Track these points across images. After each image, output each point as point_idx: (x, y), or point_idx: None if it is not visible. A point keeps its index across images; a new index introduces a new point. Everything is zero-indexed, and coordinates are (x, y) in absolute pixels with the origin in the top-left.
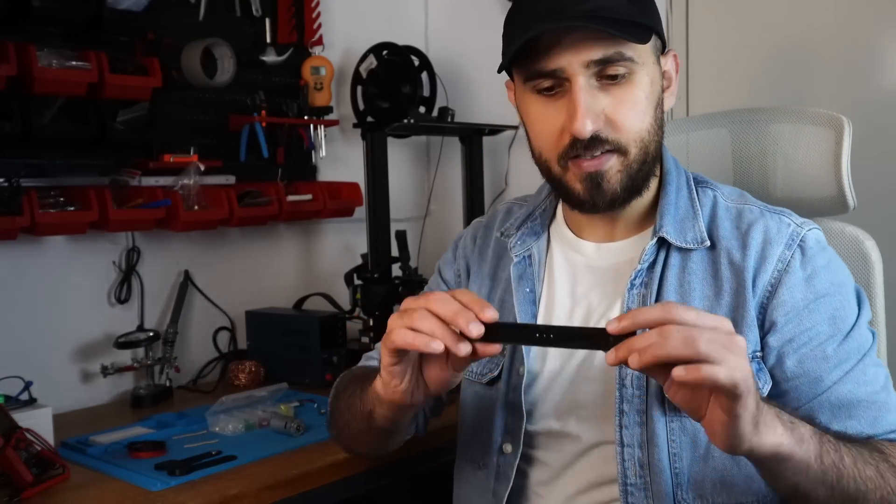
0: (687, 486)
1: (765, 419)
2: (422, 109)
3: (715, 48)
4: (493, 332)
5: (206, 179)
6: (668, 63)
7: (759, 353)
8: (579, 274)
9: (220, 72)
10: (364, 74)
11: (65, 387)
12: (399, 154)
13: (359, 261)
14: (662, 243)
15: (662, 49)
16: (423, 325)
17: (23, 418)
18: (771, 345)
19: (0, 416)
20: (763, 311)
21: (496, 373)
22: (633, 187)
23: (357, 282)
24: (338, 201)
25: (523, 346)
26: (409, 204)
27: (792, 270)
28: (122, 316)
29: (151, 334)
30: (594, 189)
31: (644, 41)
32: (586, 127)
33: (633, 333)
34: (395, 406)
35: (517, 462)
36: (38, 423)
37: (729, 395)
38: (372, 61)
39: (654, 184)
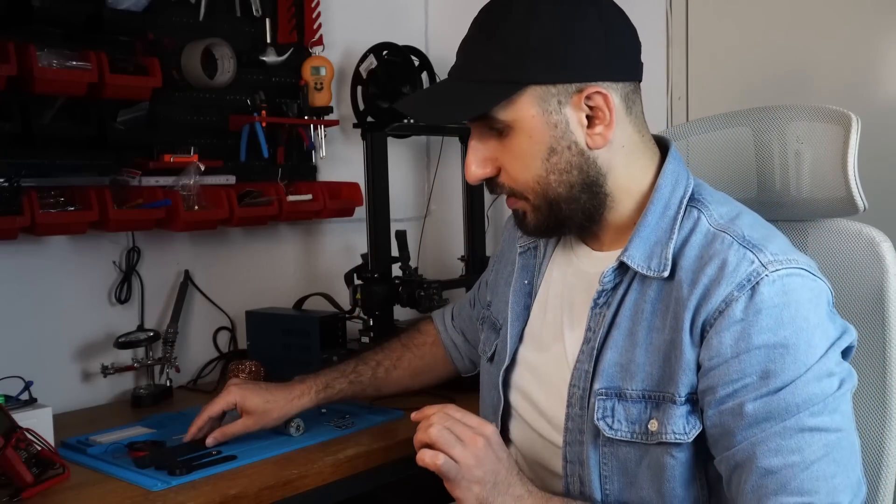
0: None
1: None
2: None
3: (715, 49)
4: None
5: (207, 179)
6: (584, 101)
7: (693, 395)
8: (570, 276)
9: (220, 72)
10: (364, 74)
11: (65, 387)
12: (399, 154)
13: (359, 261)
14: (627, 266)
15: (579, 83)
16: None
17: (23, 418)
18: (699, 389)
19: (0, 416)
20: (698, 351)
21: (490, 353)
22: (556, 222)
23: (357, 282)
24: (338, 201)
25: (508, 331)
26: (409, 204)
27: (730, 314)
28: (122, 316)
29: (151, 334)
30: (519, 223)
31: (490, 105)
32: (471, 174)
33: None
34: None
35: None
36: (39, 423)
37: (445, 477)
38: (372, 61)
39: (622, 204)
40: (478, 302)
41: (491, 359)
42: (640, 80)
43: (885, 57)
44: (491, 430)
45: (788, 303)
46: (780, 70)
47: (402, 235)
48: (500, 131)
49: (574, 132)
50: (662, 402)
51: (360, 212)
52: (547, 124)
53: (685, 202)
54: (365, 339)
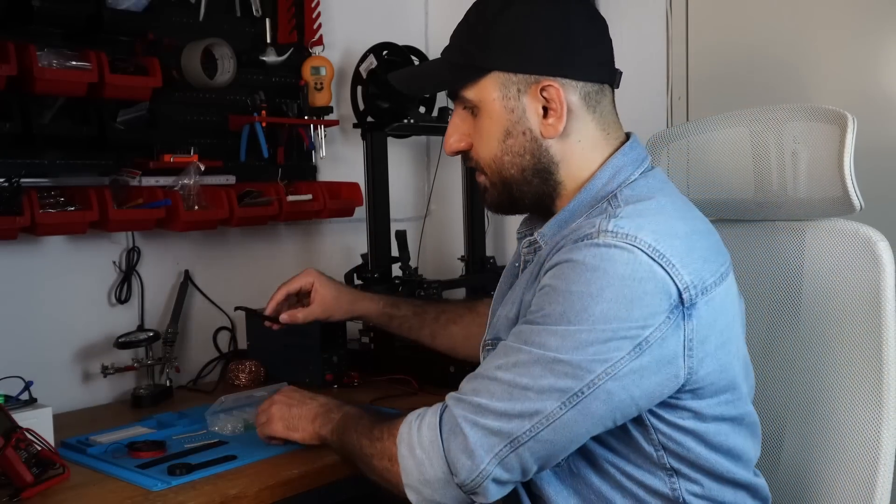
0: None
1: (294, 424)
2: (422, 109)
3: (715, 49)
4: None
5: (207, 179)
6: (540, 93)
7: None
8: None
9: (220, 72)
10: (364, 74)
11: (65, 387)
12: (399, 154)
13: (359, 261)
14: (538, 243)
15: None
16: None
17: (23, 418)
18: None
19: (0, 416)
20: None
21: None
22: (510, 200)
23: (357, 282)
24: (338, 201)
25: (490, 310)
26: (409, 204)
27: (551, 258)
28: (122, 316)
29: (151, 334)
30: (481, 197)
31: (457, 84)
32: (449, 145)
33: None
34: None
35: None
36: (39, 423)
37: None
38: (372, 61)
39: (572, 193)
40: None
41: None
42: (609, 83)
43: (885, 57)
44: (287, 387)
45: (597, 267)
46: (781, 70)
47: (402, 235)
48: (472, 110)
49: (529, 119)
50: None
51: (360, 212)
52: (505, 108)
53: (607, 196)
54: (365, 340)
